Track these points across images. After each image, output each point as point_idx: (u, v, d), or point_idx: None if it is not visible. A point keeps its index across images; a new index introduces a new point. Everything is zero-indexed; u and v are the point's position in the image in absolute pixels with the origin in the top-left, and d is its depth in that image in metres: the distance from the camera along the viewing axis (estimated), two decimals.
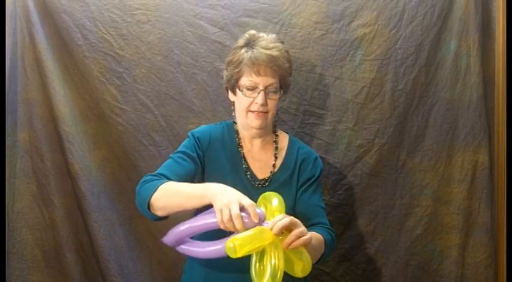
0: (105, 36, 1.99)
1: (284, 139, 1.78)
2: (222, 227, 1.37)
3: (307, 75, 1.99)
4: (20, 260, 1.99)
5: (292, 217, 1.42)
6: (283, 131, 1.82)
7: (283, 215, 1.42)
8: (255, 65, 1.63)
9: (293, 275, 1.45)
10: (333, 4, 1.97)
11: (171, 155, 1.68)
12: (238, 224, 1.34)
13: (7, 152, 1.97)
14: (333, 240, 1.67)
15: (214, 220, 1.39)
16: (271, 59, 1.63)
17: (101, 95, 2.01)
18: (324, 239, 1.60)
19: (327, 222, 1.69)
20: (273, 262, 1.36)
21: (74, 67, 2.01)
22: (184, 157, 1.65)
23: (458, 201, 1.97)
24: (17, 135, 1.98)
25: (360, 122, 1.98)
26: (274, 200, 1.48)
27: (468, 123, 1.96)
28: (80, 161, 1.98)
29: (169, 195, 1.52)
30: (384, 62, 1.96)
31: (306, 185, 1.70)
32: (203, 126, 1.76)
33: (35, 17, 1.96)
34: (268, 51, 1.64)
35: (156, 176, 1.60)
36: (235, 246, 1.32)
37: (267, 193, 1.51)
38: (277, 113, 1.76)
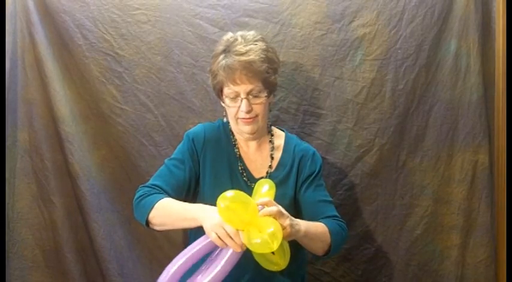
0: (105, 36, 1.99)
1: (280, 137, 1.77)
2: (218, 244, 1.40)
3: (307, 75, 1.99)
4: (20, 260, 1.98)
5: (280, 209, 1.43)
6: (279, 128, 1.82)
7: (269, 199, 1.45)
8: (231, 75, 1.58)
9: (272, 267, 1.47)
10: (333, 4, 1.97)
11: (166, 161, 1.70)
12: (238, 240, 1.37)
13: (7, 152, 1.97)
14: (343, 230, 1.66)
15: (209, 240, 1.42)
16: (246, 66, 1.57)
17: (101, 95, 2.01)
18: (329, 229, 1.59)
19: (336, 214, 1.68)
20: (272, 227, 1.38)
21: (74, 67, 2.00)
22: (178, 165, 1.66)
23: (458, 201, 1.97)
24: (17, 135, 1.98)
25: (360, 122, 1.98)
26: (264, 186, 1.52)
27: (468, 123, 1.96)
28: (80, 161, 1.98)
29: (164, 215, 1.55)
30: (384, 62, 1.96)
31: (307, 182, 1.69)
32: (199, 126, 1.76)
33: (35, 17, 1.96)
34: (242, 58, 1.57)
35: (152, 187, 1.61)
36: (225, 205, 1.37)
37: (261, 180, 1.56)
38: (270, 111, 1.75)
